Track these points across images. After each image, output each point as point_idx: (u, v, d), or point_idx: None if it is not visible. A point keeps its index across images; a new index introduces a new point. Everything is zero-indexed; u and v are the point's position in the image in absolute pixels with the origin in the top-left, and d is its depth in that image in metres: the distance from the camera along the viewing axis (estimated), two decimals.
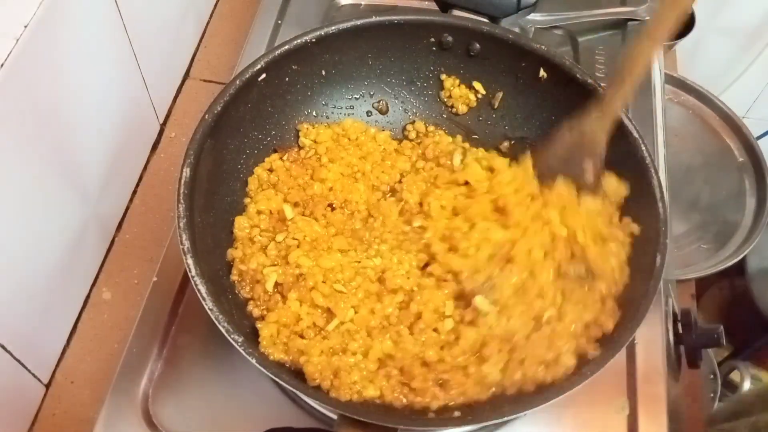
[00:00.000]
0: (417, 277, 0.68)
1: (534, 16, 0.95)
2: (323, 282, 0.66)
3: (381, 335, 0.65)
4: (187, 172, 0.65)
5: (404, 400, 0.61)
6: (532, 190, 0.70)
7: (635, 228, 0.69)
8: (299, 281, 0.67)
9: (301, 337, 0.65)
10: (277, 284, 0.68)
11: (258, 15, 1.00)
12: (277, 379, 0.58)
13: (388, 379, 0.62)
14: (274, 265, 0.69)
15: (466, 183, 0.75)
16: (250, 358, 0.57)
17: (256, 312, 0.67)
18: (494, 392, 0.62)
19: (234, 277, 0.69)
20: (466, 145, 0.81)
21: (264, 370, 0.57)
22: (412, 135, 0.83)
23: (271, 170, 0.77)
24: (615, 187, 0.71)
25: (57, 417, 0.79)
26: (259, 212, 0.73)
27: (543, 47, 0.76)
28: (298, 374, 0.62)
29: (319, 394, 0.61)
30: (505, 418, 0.62)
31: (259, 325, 0.65)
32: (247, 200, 0.75)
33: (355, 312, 0.66)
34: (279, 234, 0.71)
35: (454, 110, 0.84)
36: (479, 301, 0.64)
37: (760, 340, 1.36)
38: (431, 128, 0.84)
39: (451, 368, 0.62)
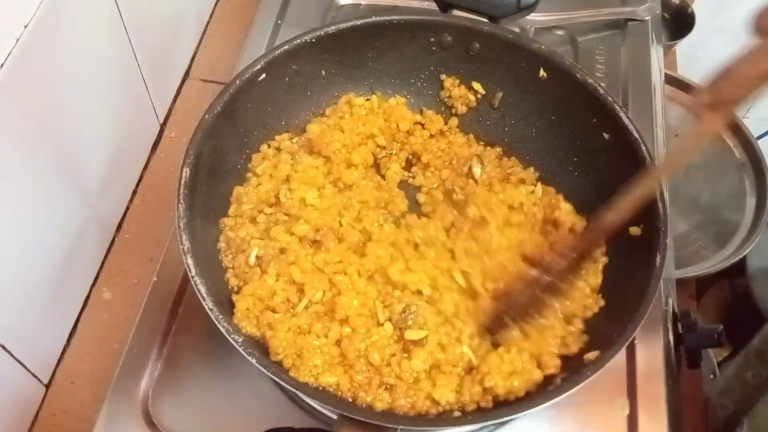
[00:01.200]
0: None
1: (534, 16, 0.95)
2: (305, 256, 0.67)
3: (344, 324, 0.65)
4: (187, 172, 0.65)
5: (349, 395, 0.62)
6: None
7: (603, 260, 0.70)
8: (281, 255, 0.68)
9: (273, 312, 0.66)
10: (258, 258, 0.68)
11: (258, 15, 1.00)
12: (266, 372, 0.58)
13: (346, 370, 0.63)
14: (261, 239, 0.69)
15: None
16: (250, 358, 0.57)
17: (233, 281, 0.68)
18: (449, 409, 0.62)
19: (221, 245, 0.70)
20: (480, 148, 0.81)
21: (264, 370, 0.57)
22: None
23: (279, 149, 0.77)
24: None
25: (57, 417, 0.79)
26: (258, 185, 0.73)
27: (543, 47, 0.76)
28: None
29: (310, 389, 0.61)
30: (505, 418, 0.62)
31: (234, 297, 0.66)
32: (249, 174, 0.75)
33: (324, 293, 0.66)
34: (267, 208, 0.72)
35: (454, 110, 0.84)
36: (409, 335, 0.64)
37: None
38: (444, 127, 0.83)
39: (398, 377, 0.62)
